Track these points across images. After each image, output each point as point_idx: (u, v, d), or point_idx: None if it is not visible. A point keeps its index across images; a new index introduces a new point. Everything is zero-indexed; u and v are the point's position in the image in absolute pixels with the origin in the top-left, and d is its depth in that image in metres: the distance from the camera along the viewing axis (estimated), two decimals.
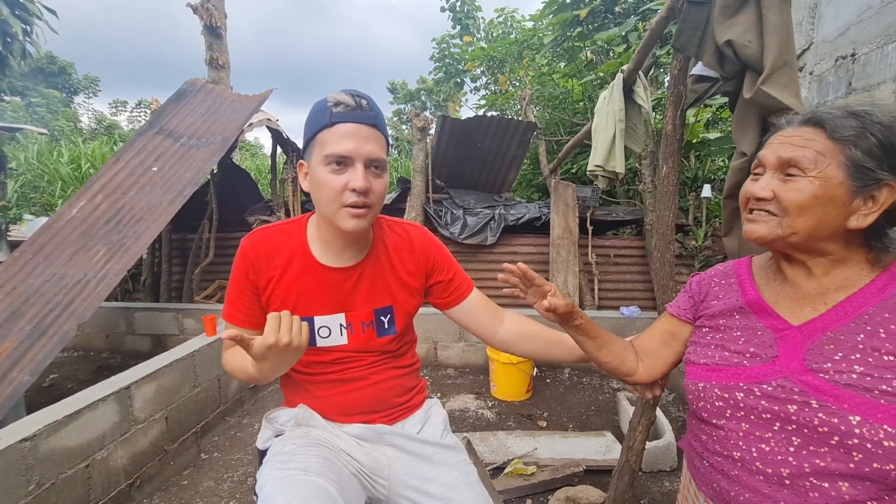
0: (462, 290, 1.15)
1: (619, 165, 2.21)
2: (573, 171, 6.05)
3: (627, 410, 2.70)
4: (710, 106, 5.08)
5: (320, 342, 1.04)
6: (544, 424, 2.96)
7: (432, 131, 4.66)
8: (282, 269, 1.02)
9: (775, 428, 0.71)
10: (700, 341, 0.88)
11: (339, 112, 0.90)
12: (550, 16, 6.09)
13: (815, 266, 0.75)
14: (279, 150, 5.04)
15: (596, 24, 5.90)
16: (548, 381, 3.58)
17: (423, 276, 1.13)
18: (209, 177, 4.85)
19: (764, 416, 0.72)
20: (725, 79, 1.23)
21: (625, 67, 2.11)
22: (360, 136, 0.90)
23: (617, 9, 5.58)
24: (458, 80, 10.03)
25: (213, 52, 8.47)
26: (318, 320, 1.04)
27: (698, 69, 1.34)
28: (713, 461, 0.80)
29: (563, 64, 7.18)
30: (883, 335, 0.67)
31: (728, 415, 0.77)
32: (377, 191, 0.96)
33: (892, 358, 0.65)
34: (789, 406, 0.70)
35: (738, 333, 0.81)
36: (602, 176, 2.34)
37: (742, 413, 0.75)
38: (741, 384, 0.76)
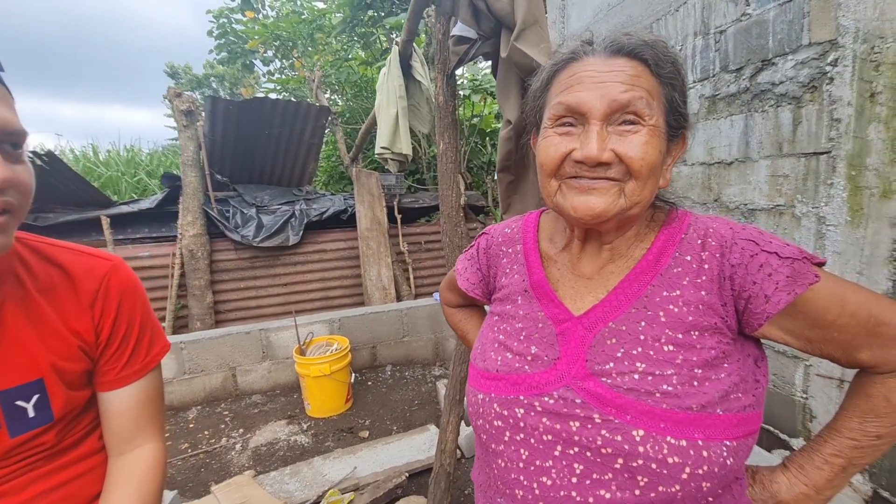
0: (131, 372, 0.75)
1: (405, 146, 2.05)
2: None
3: None
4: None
5: None
6: (366, 434, 2.71)
7: (202, 116, 3.87)
8: None
9: (556, 453, 0.56)
10: (485, 335, 0.70)
11: None
12: None
13: (617, 246, 0.62)
14: None
15: (385, 10, 5.80)
16: (369, 383, 3.35)
17: (92, 334, 0.70)
18: None
19: (545, 437, 0.57)
20: (483, 38, 1.12)
21: (398, 40, 1.94)
22: None
23: None
24: (247, 63, 8.88)
25: None
26: None
27: (458, 29, 1.21)
28: None
29: (361, 52, 6.93)
30: (663, 319, 0.56)
31: (507, 438, 0.60)
32: (23, 184, 0.57)
33: (671, 348, 0.55)
34: (571, 423, 0.55)
35: (520, 326, 0.65)
36: (391, 159, 2.16)
37: (522, 435, 0.59)
38: (521, 397, 0.59)
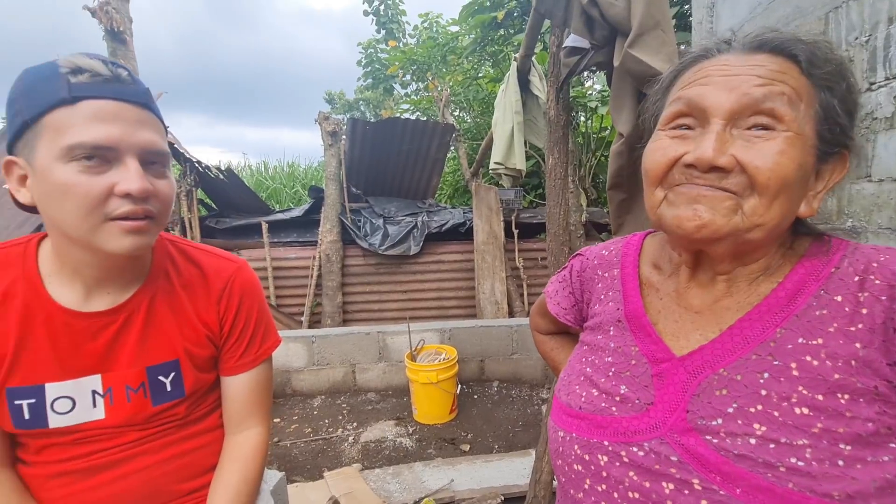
0: (246, 361, 0.85)
1: (518, 161, 2.02)
2: None
3: None
4: None
5: (56, 421, 0.71)
6: (468, 448, 2.71)
7: (344, 136, 4.34)
8: None
9: None
10: (572, 365, 0.64)
11: (83, 83, 0.61)
12: (470, 18, 6.01)
13: (736, 278, 0.52)
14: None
15: (515, 28, 5.87)
16: (475, 397, 3.35)
17: (217, 326, 0.82)
18: None
19: (631, 495, 0.49)
20: (596, 47, 1.05)
21: (517, 55, 1.93)
22: (129, 120, 0.63)
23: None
24: (388, 86, 9.77)
25: (116, 58, 7.69)
26: (53, 389, 0.71)
27: (571, 41, 1.15)
28: None
29: (490, 69, 7.13)
30: (795, 373, 0.45)
31: (587, 486, 0.54)
32: (163, 195, 0.68)
33: (806, 411, 0.43)
34: (664, 484, 0.47)
35: (610, 360, 0.58)
36: (505, 174, 2.15)
37: (604, 486, 0.52)
38: (606, 443, 0.52)
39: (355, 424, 3.04)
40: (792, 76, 0.46)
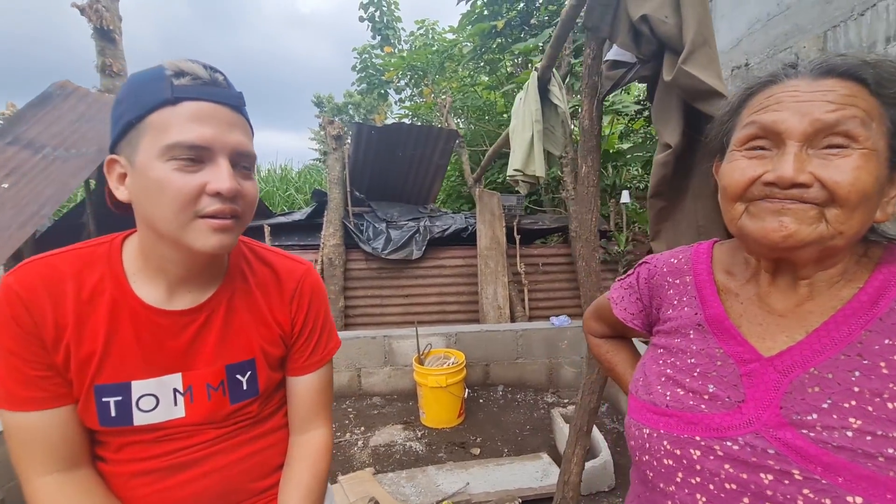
0: (313, 361, 0.86)
1: (539, 169, 2.06)
2: (499, 180, 6.02)
3: (563, 429, 2.56)
4: (624, 115, 5.28)
5: (140, 418, 0.71)
6: (478, 452, 2.73)
7: (349, 140, 4.35)
8: (78, 315, 0.68)
9: None
10: (648, 367, 0.67)
11: (185, 86, 0.63)
12: (469, 27, 6.09)
13: (817, 282, 0.56)
14: None
15: (514, 37, 5.96)
16: (481, 401, 3.37)
17: (289, 325, 0.84)
18: (84, 194, 4.17)
19: (728, 486, 0.52)
20: (642, 61, 1.09)
21: (539, 65, 1.98)
22: (223, 121, 0.65)
23: (533, 21, 5.67)
24: (382, 92, 9.81)
25: (105, 57, 7.55)
26: (139, 387, 0.71)
27: (613, 53, 1.20)
28: None
29: (485, 77, 7.21)
30: (885, 371, 0.48)
31: (679, 480, 0.57)
32: (248, 196, 0.69)
33: None
34: (763, 475, 0.50)
35: (693, 361, 0.61)
36: (522, 181, 2.19)
37: (698, 479, 0.55)
38: (697, 438, 0.55)
39: (363, 429, 3.03)
40: (862, 98, 0.50)
